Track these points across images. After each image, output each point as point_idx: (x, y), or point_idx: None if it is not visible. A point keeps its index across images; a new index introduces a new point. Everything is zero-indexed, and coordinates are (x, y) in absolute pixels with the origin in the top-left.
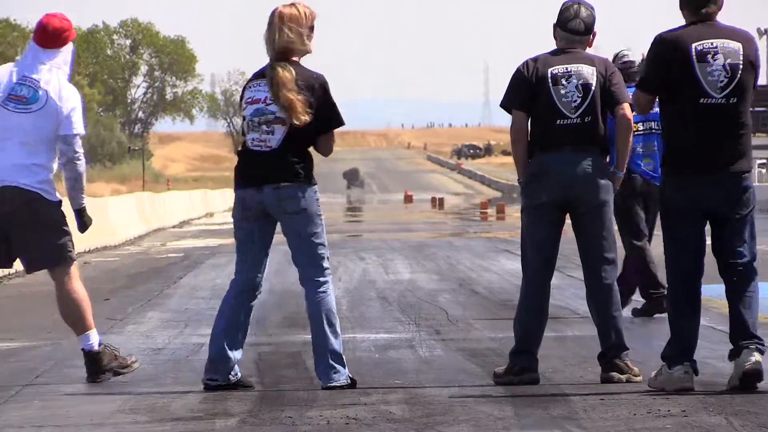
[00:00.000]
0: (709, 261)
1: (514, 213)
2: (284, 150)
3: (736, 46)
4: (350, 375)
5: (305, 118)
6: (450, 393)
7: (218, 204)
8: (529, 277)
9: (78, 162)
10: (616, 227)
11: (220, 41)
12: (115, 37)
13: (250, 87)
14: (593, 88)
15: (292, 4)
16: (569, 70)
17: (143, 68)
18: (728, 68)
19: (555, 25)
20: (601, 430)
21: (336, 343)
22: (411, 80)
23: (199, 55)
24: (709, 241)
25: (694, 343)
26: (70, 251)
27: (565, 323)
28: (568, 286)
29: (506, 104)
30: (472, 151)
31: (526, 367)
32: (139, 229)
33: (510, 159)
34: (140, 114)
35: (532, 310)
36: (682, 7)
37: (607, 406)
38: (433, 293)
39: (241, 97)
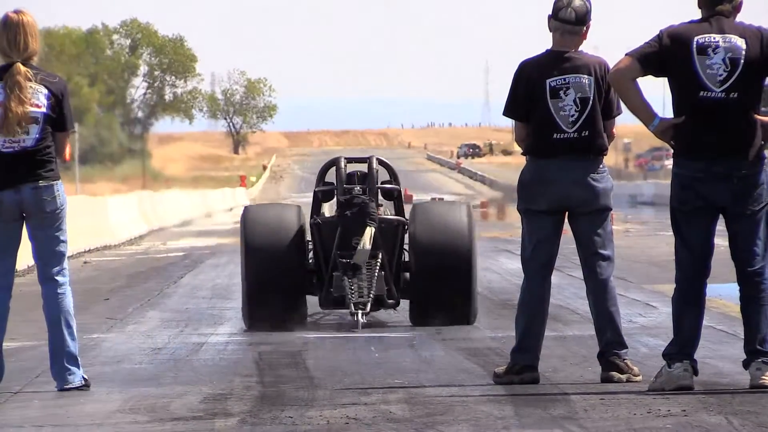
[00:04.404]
0: (716, 259)
1: (514, 213)
2: (39, 149)
3: (740, 41)
4: (84, 376)
5: (18, 135)
6: (450, 393)
7: (218, 204)
8: (529, 275)
9: None
10: (613, 227)
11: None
12: (114, 37)
13: None
14: (591, 101)
15: (22, 12)
16: (567, 81)
17: (143, 68)
18: (728, 62)
19: (549, 16)
20: (601, 429)
21: (73, 346)
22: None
23: (199, 55)
24: (726, 243)
25: (695, 342)
26: None
27: (565, 323)
28: (568, 286)
29: (507, 114)
30: (472, 150)
31: (527, 366)
32: (139, 229)
33: (510, 159)
34: (140, 114)
35: (533, 308)
36: (699, 4)
37: (607, 405)
38: None
39: None
